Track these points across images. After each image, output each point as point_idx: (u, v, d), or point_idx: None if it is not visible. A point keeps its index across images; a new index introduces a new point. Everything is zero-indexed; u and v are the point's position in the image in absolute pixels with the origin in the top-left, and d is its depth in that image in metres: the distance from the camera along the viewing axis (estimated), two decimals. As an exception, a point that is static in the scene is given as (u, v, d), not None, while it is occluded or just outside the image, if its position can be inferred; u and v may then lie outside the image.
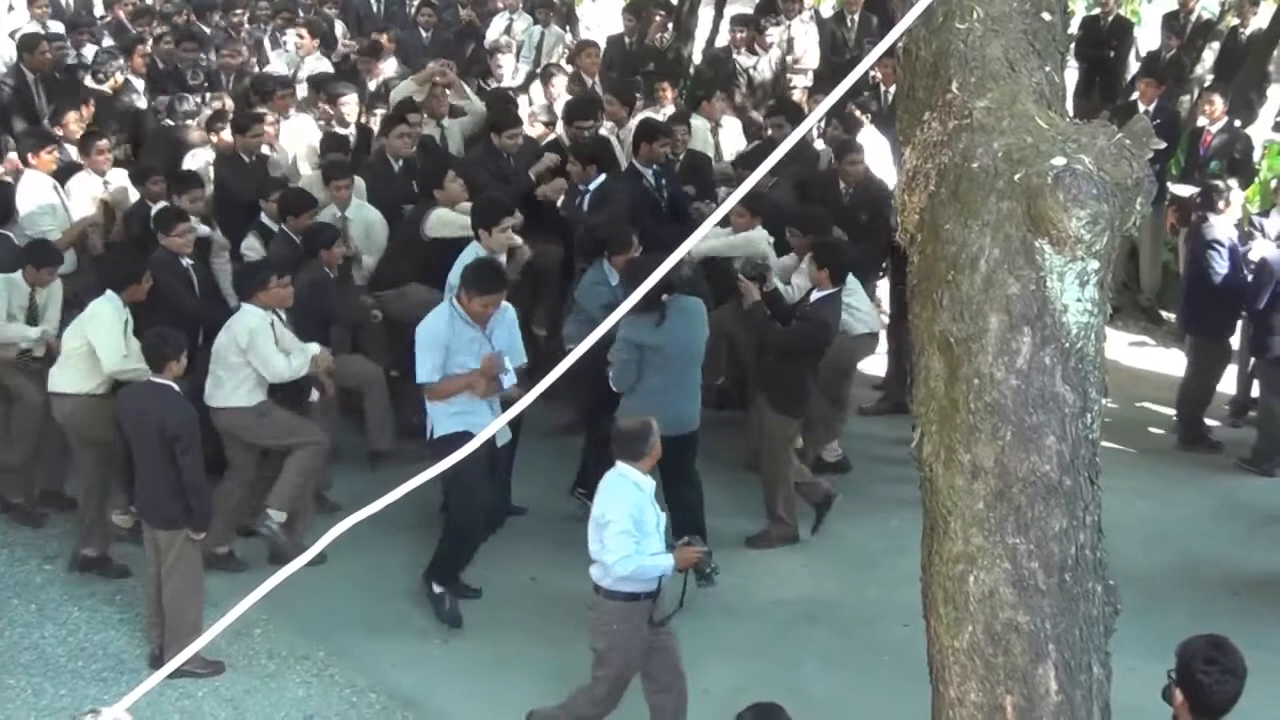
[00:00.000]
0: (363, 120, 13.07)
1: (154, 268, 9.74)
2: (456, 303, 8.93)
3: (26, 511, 10.16)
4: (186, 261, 10.15)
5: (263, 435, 9.46)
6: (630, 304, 3.66)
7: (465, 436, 8.58)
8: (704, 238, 10.65)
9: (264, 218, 10.85)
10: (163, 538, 8.48)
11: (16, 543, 9.91)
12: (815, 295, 9.67)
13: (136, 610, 9.09)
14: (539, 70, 15.10)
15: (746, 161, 11.84)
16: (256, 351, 9.17)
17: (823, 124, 13.46)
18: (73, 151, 11.69)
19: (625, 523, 7.24)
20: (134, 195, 11.27)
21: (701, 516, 9.40)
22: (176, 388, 8.50)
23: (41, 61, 14.02)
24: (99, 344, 9.19)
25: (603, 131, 12.61)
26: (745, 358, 11.15)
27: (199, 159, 11.93)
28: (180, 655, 3.84)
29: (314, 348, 9.53)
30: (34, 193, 10.97)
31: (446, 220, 10.72)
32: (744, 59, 15.80)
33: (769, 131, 12.75)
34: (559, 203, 11.42)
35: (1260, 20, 16.71)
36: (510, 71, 15.08)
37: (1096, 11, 17.90)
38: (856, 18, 16.47)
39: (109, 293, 9.36)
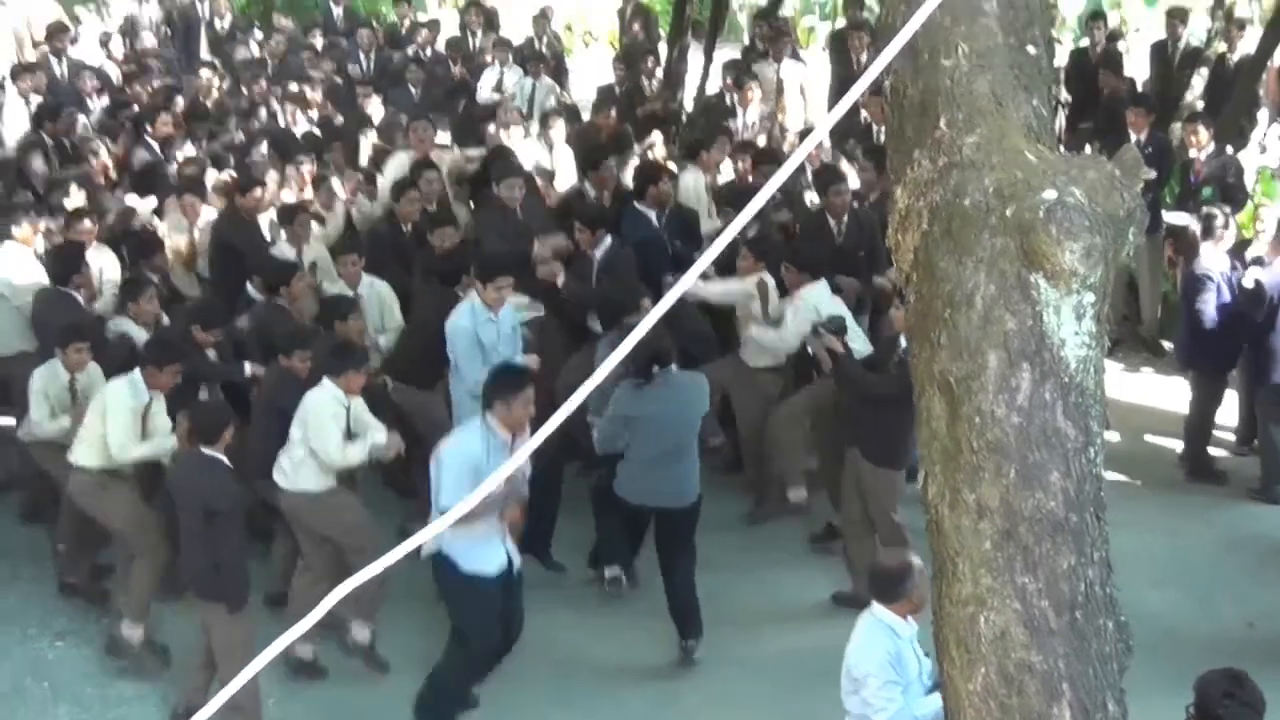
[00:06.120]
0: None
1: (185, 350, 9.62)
2: (488, 423, 8.25)
3: (86, 589, 9.99)
4: None
5: (314, 523, 9.10)
6: (614, 360, 3.62)
7: (480, 578, 8.28)
8: (706, 286, 10.74)
9: (250, 290, 10.80)
10: (203, 609, 8.44)
11: (29, 620, 9.82)
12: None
13: (150, 685, 9.04)
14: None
15: (735, 203, 11.79)
16: (318, 432, 8.83)
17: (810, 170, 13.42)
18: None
19: (885, 673, 6.70)
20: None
21: (694, 595, 9.35)
22: (226, 461, 8.41)
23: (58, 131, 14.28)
24: (109, 425, 9.03)
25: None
26: (744, 416, 11.01)
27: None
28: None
29: (381, 436, 9.15)
30: (17, 267, 10.92)
31: None
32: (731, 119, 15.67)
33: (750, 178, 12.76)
34: (560, 283, 11.13)
35: (1247, 46, 16.75)
36: (520, 135, 14.54)
37: (1085, 44, 17.95)
38: (863, 58, 16.29)
39: (135, 373, 9.16)
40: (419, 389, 10.39)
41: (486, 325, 9.82)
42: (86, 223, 11.39)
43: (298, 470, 8.96)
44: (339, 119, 15.44)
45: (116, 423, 9.02)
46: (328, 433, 8.86)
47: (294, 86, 15.99)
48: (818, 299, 10.33)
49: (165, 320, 10.56)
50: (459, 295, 10.33)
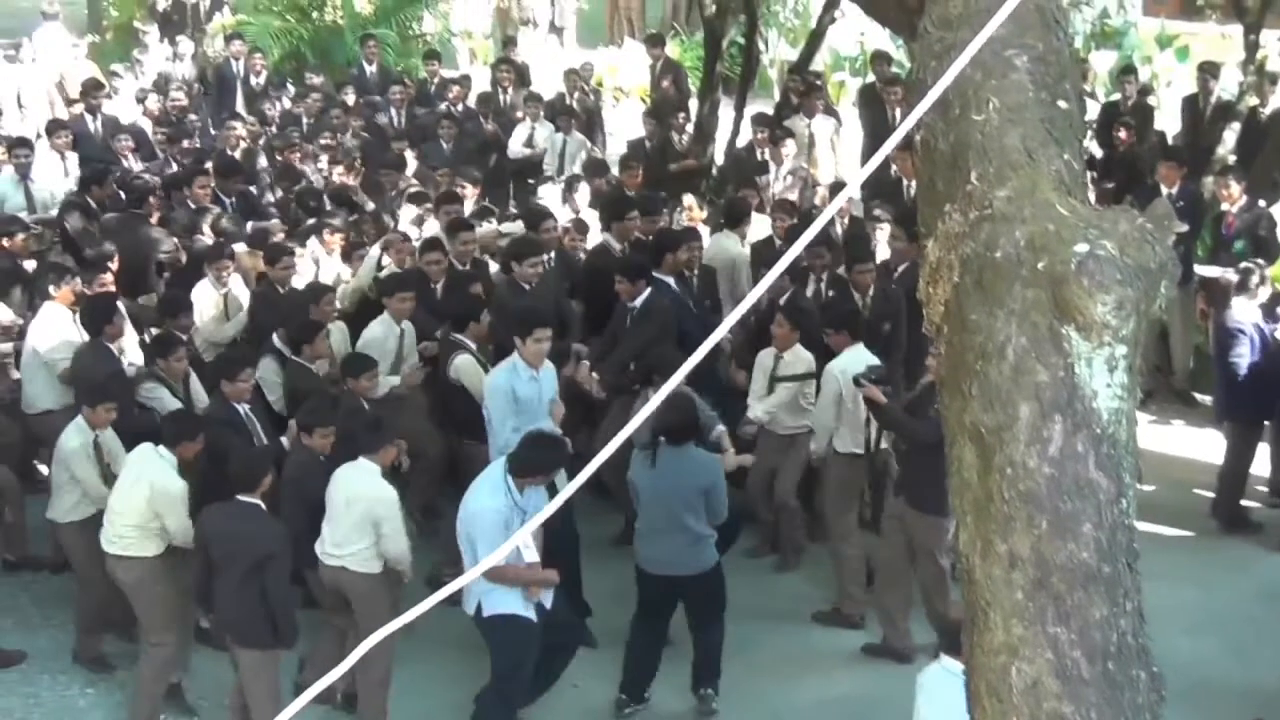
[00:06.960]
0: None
1: (208, 422, 9.58)
2: (511, 487, 8.53)
3: (93, 663, 9.94)
4: (243, 407, 9.94)
5: (354, 596, 8.91)
6: (634, 426, 3.70)
7: (518, 619, 8.55)
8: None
9: (276, 341, 10.87)
10: (242, 655, 8.45)
11: (60, 666, 9.88)
12: None
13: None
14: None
15: (770, 266, 11.67)
16: (390, 524, 8.76)
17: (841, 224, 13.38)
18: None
19: None
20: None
21: (716, 657, 9.33)
22: (264, 506, 8.46)
23: (105, 194, 14.42)
24: (172, 515, 8.87)
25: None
26: (782, 481, 10.88)
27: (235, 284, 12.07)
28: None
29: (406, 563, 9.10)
30: (53, 327, 11.01)
31: (470, 373, 10.56)
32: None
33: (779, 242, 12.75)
34: (594, 389, 11.20)
35: (1279, 99, 16.77)
36: (557, 198, 14.66)
37: (1116, 98, 17.99)
38: (898, 113, 16.31)
39: (163, 451, 9.01)
40: (479, 442, 10.30)
41: (527, 384, 9.83)
42: (108, 276, 11.52)
43: (339, 541, 8.88)
44: (370, 206, 15.27)
45: (176, 513, 8.89)
46: (396, 525, 8.82)
47: (323, 161, 15.97)
48: (855, 363, 10.13)
49: (194, 379, 10.61)
50: (465, 345, 10.59)
